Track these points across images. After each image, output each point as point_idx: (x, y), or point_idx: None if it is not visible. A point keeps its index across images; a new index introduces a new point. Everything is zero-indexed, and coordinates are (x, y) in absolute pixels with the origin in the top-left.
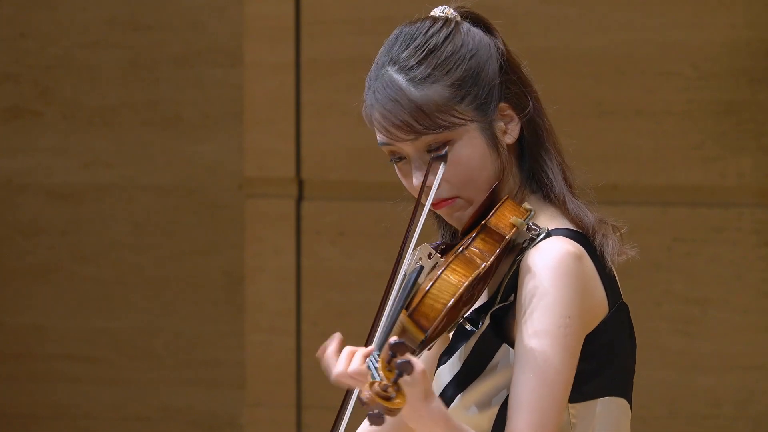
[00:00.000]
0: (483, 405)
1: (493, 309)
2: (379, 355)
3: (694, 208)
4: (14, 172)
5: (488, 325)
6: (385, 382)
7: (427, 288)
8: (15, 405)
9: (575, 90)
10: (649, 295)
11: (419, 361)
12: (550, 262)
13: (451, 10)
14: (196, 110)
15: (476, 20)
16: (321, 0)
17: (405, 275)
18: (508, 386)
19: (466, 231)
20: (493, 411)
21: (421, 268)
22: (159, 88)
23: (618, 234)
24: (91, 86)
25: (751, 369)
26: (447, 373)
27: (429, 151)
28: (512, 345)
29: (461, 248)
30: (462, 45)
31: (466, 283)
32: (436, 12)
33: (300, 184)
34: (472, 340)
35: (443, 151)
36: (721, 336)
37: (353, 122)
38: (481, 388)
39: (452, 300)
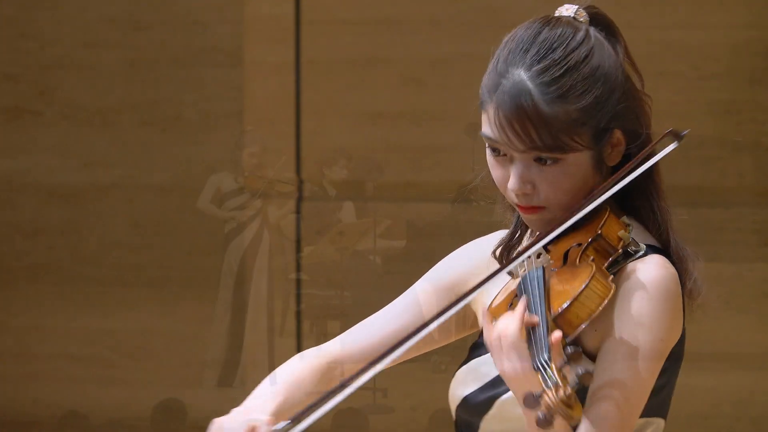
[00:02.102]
0: None
1: None
2: (547, 361)
3: (694, 208)
4: (14, 172)
5: None
6: (569, 390)
7: (575, 295)
8: (15, 405)
9: None
10: None
11: None
12: (656, 283)
13: (583, 12)
14: (196, 110)
15: (605, 27)
16: (321, 0)
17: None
18: None
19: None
20: None
21: (543, 269)
22: (159, 88)
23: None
24: (91, 86)
25: (751, 369)
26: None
27: (535, 161)
28: (585, 350)
29: (586, 255)
30: (599, 67)
31: (609, 295)
32: (570, 12)
33: (300, 184)
34: None
35: (549, 163)
36: (721, 336)
37: (353, 122)
38: None
39: (599, 309)
